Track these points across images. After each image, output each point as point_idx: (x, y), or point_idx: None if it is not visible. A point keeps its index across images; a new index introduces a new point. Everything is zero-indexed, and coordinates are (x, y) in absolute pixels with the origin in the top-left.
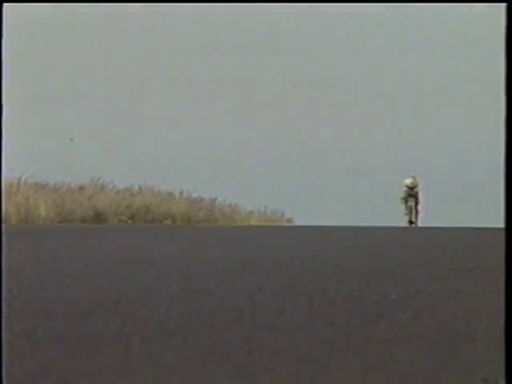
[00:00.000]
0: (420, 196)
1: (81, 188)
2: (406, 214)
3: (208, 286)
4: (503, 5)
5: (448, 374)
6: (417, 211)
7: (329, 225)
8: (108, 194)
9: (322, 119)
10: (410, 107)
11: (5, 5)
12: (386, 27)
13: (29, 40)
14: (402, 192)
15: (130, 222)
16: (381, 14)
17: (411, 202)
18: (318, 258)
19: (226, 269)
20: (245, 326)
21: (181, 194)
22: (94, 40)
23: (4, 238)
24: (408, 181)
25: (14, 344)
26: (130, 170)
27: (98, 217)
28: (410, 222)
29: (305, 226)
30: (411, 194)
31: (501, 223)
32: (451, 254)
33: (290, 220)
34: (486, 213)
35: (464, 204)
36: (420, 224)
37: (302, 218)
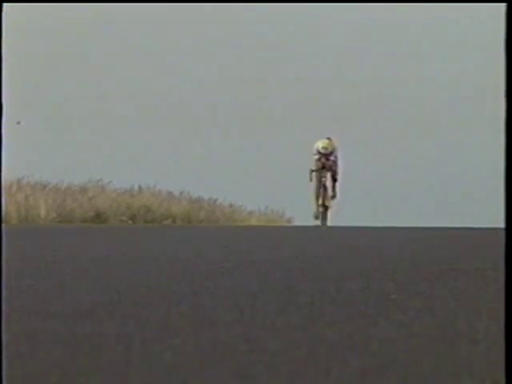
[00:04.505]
0: (339, 167)
1: (81, 188)
2: (318, 195)
3: (208, 286)
4: (503, 5)
5: (448, 374)
6: (334, 189)
7: (328, 225)
8: (108, 194)
9: (322, 119)
10: (410, 108)
11: (5, 5)
12: (385, 27)
13: (29, 40)
14: (312, 162)
15: (130, 222)
16: (381, 14)
17: (325, 177)
18: (317, 258)
19: (226, 269)
20: (245, 326)
21: (181, 194)
22: (95, 40)
23: (4, 238)
24: (320, 144)
25: (14, 344)
26: (130, 170)
27: (99, 217)
28: (324, 207)
29: (305, 226)
30: (325, 164)
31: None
32: (450, 253)
33: (289, 220)
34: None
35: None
36: (334, 207)
37: (302, 217)
